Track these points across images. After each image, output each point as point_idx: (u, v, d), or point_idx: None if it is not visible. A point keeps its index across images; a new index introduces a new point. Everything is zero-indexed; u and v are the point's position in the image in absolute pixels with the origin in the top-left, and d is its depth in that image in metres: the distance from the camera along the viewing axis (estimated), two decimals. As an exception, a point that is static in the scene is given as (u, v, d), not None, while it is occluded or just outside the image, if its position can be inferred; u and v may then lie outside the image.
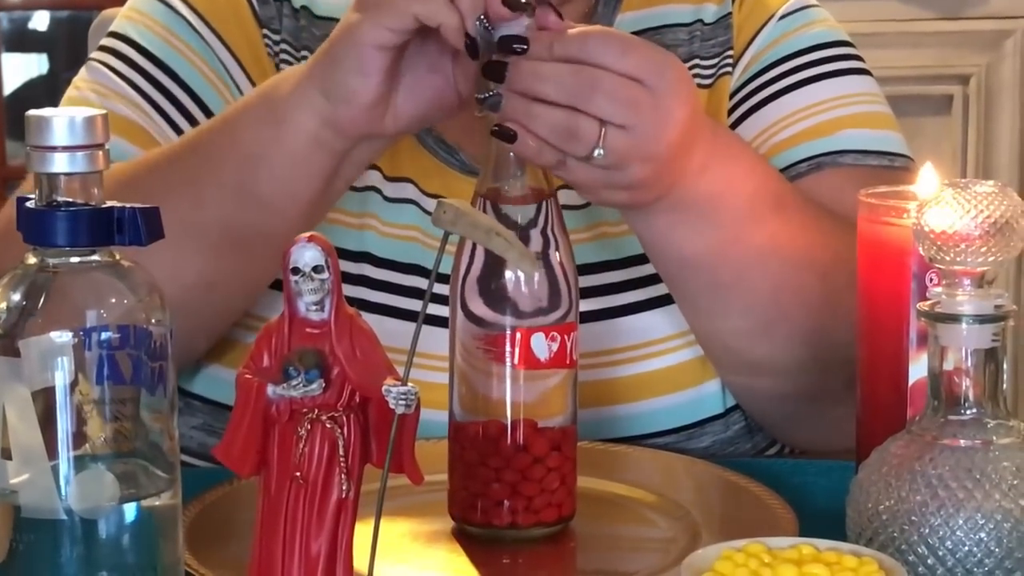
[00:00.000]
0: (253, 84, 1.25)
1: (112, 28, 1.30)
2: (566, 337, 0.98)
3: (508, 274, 0.97)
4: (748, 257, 1.12)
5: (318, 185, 1.10)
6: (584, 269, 1.20)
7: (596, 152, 1.00)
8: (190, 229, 1.10)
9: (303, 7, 1.27)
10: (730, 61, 1.30)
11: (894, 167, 1.25)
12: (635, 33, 1.28)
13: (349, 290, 1.20)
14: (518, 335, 0.97)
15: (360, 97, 1.05)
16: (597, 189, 1.05)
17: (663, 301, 1.22)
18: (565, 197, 1.24)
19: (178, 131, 1.24)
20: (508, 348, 0.97)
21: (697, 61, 1.29)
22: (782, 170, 1.25)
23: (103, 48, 1.29)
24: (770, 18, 1.31)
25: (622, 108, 1.00)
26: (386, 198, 1.24)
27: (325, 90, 1.06)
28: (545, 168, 1.01)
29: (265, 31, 1.27)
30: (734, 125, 1.29)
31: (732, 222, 1.11)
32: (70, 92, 1.28)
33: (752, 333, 1.16)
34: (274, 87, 1.11)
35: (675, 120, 1.01)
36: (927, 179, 0.97)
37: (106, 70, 1.27)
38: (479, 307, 0.98)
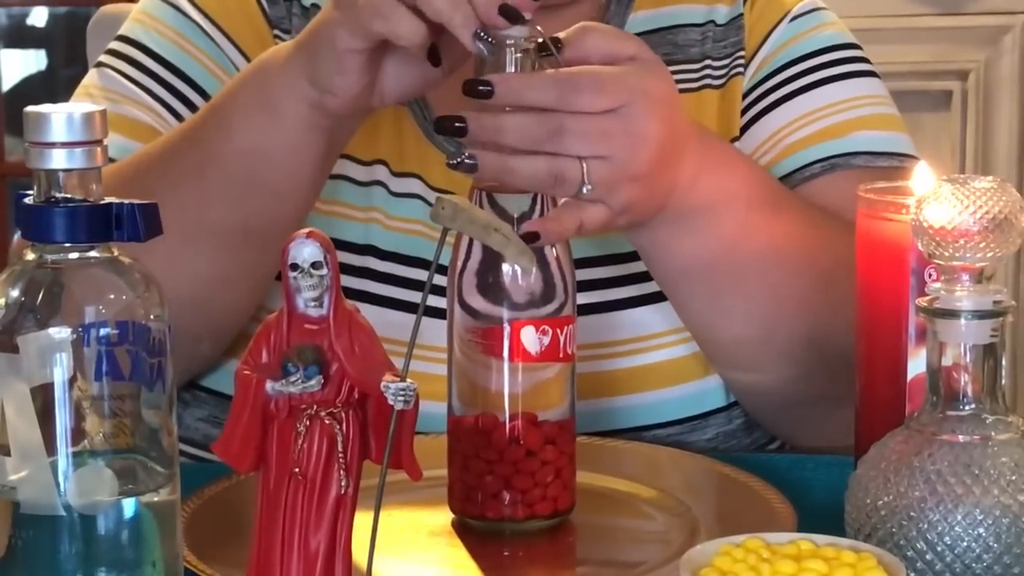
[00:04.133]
0: None
1: (122, 32, 1.29)
2: (559, 331, 0.98)
3: (502, 267, 0.98)
4: (746, 264, 1.13)
5: (317, 163, 1.11)
6: (583, 263, 1.20)
7: (584, 189, 0.99)
8: (202, 226, 1.11)
9: (313, 4, 1.27)
10: (742, 62, 1.30)
11: (903, 168, 1.25)
12: (647, 33, 1.29)
13: (353, 282, 1.21)
14: (508, 328, 0.97)
15: (342, 91, 1.05)
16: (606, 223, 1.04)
17: (657, 298, 1.22)
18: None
19: None
20: (500, 341, 0.97)
21: (709, 62, 1.30)
22: (795, 171, 1.26)
23: (114, 53, 1.28)
24: (781, 19, 1.32)
25: (594, 142, 0.99)
26: (392, 193, 1.24)
27: (311, 78, 1.06)
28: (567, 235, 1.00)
29: (276, 31, 1.27)
30: (747, 126, 1.29)
31: (730, 229, 1.11)
32: (80, 95, 1.27)
33: (754, 341, 1.16)
34: (261, 72, 1.10)
35: (649, 139, 1.01)
36: (922, 177, 0.97)
37: (119, 76, 1.26)
38: (474, 299, 0.98)
